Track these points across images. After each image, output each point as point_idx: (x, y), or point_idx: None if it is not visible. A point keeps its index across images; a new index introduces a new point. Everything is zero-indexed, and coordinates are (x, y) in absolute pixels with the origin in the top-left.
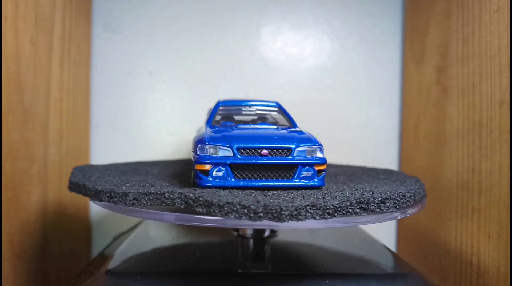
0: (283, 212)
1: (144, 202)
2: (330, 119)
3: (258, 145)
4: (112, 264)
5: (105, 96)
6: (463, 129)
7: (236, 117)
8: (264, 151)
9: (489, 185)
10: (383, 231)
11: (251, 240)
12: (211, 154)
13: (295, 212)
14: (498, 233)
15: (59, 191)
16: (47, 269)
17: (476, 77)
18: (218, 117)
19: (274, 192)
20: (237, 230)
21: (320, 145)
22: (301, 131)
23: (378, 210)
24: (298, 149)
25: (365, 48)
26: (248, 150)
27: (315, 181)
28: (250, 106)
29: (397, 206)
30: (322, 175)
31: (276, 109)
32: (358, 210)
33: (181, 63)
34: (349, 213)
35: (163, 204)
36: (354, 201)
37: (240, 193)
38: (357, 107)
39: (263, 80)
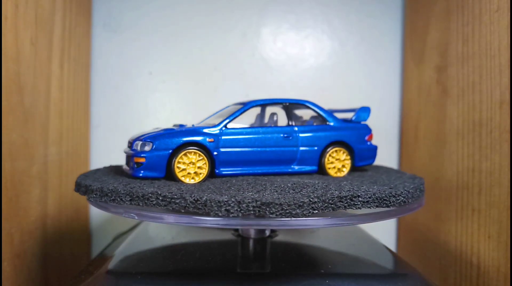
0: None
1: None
2: None
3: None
4: (112, 264)
5: (105, 96)
6: (463, 129)
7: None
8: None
9: (489, 185)
10: (383, 231)
11: (251, 240)
12: None
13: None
14: (498, 233)
15: (59, 191)
16: (47, 269)
17: (476, 77)
18: None
19: None
20: (237, 230)
21: (147, 141)
22: (178, 128)
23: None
24: (135, 143)
25: (365, 48)
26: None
27: (140, 171)
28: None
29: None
30: (140, 167)
31: None
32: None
33: (181, 63)
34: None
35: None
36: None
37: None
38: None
39: (263, 80)
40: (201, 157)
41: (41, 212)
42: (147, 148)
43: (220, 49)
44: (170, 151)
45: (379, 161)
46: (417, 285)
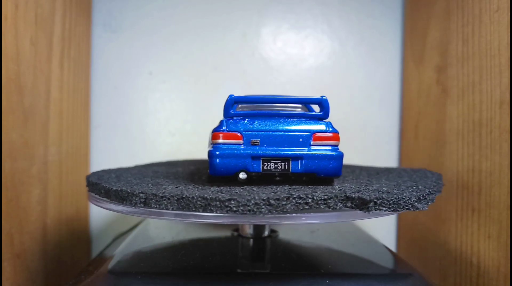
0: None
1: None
2: (330, 119)
3: None
4: (112, 264)
5: (105, 96)
6: (463, 129)
7: None
8: None
9: (489, 185)
10: (383, 231)
11: (251, 240)
12: None
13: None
14: (498, 233)
15: (59, 191)
16: (47, 269)
17: (476, 77)
18: None
19: None
20: (237, 229)
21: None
22: None
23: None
24: None
25: (365, 48)
26: None
27: None
28: None
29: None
30: None
31: None
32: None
33: (181, 63)
34: None
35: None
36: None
37: None
38: (357, 107)
39: (263, 80)
40: None
41: (41, 212)
42: None
43: (220, 49)
44: None
45: (379, 161)
46: (417, 285)
